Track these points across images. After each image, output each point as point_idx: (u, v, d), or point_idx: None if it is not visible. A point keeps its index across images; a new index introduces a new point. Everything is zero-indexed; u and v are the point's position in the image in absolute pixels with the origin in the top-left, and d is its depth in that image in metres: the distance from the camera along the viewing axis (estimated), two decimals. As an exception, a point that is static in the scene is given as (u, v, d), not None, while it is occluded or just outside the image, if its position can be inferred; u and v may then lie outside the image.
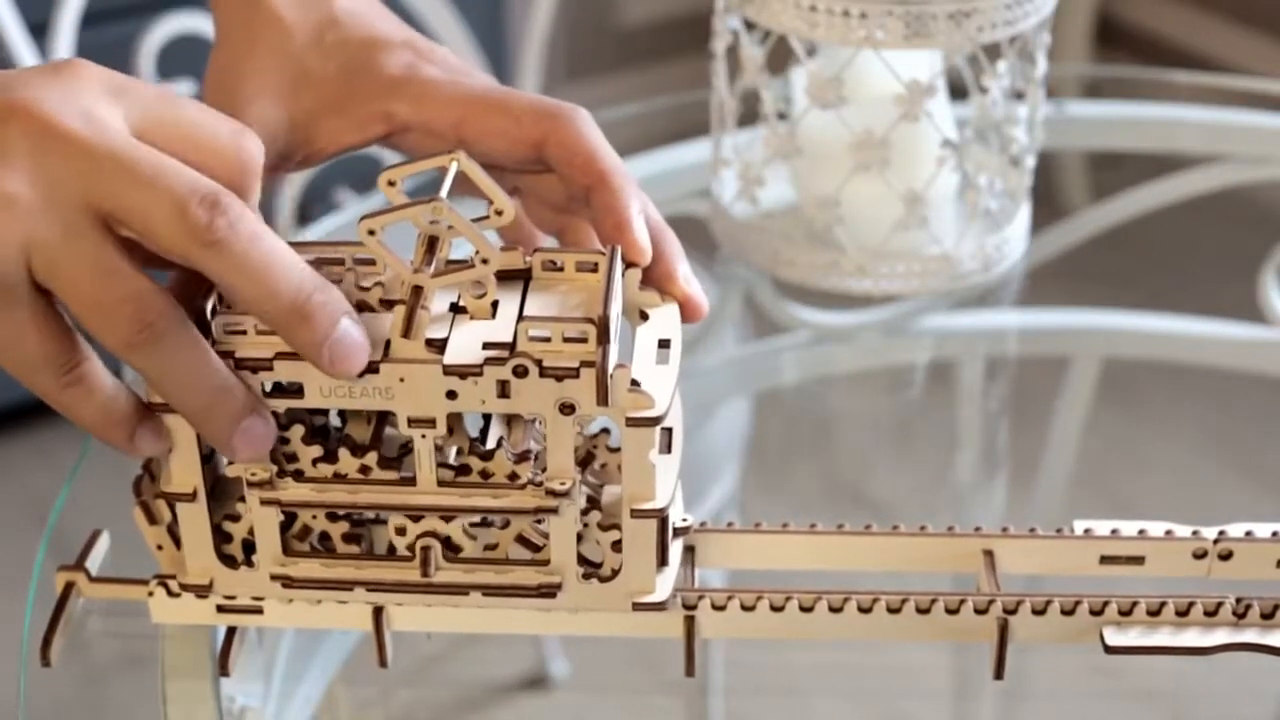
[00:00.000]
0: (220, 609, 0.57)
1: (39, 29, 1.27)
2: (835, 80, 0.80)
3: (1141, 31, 2.44)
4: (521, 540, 0.56)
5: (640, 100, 1.14)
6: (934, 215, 0.83)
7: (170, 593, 0.57)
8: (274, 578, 0.56)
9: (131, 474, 0.57)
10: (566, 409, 0.53)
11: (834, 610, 0.57)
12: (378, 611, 0.57)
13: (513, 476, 0.54)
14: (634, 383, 0.53)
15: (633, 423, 0.53)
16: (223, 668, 0.58)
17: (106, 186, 0.50)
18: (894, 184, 0.82)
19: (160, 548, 0.57)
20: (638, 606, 0.56)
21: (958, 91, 0.86)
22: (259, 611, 0.57)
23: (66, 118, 0.50)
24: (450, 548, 0.56)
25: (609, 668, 1.57)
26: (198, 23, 1.29)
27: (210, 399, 0.52)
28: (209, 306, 0.53)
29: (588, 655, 1.54)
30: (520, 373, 0.52)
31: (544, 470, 0.54)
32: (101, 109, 0.52)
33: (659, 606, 0.56)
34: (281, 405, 0.53)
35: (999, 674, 0.58)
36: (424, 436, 0.54)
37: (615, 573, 0.56)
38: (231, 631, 0.58)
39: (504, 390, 0.52)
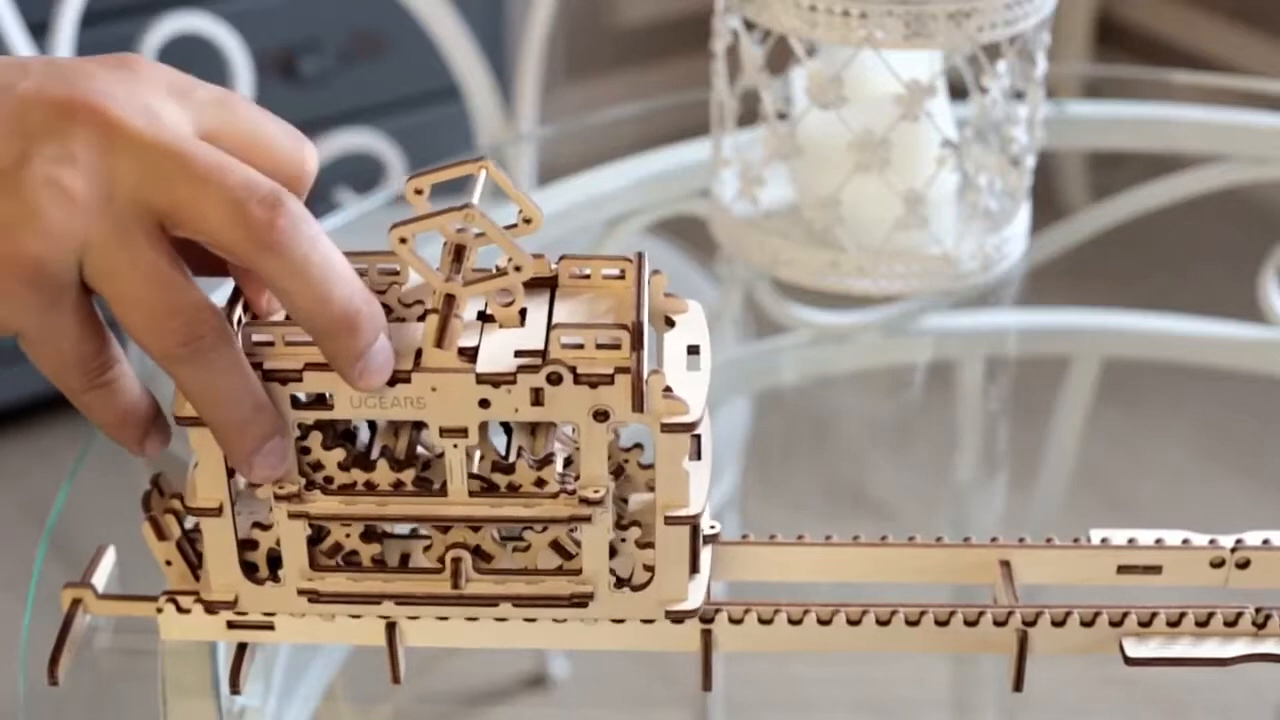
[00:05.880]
0: (231, 625, 0.57)
1: (39, 28, 1.27)
2: (835, 80, 0.80)
3: (1141, 31, 2.44)
4: (554, 545, 0.55)
5: (640, 100, 1.14)
6: (934, 215, 0.83)
7: (180, 609, 0.56)
8: (301, 593, 0.55)
9: (132, 473, 0.57)
10: (600, 416, 0.52)
11: (852, 623, 0.57)
12: (391, 627, 0.56)
13: (540, 483, 0.54)
14: (667, 389, 0.52)
15: (667, 429, 0.52)
16: (234, 685, 0.57)
17: (166, 184, 0.49)
18: (894, 184, 0.82)
19: (169, 564, 0.56)
20: (670, 615, 0.56)
21: (958, 91, 0.86)
22: (270, 628, 0.57)
23: (131, 116, 0.50)
24: (481, 558, 0.55)
25: (609, 668, 1.57)
26: (198, 23, 1.29)
27: (245, 417, 0.52)
28: (235, 317, 0.53)
29: (588, 655, 1.54)
30: (554, 380, 0.52)
31: (576, 478, 0.54)
32: (165, 107, 0.51)
33: (691, 614, 0.56)
34: (311, 417, 0.53)
35: (1018, 685, 0.57)
36: (456, 446, 0.53)
37: (647, 581, 0.55)
38: (242, 648, 0.58)
39: (537, 398, 0.52)
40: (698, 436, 0.56)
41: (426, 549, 0.56)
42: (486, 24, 1.87)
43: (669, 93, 1.17)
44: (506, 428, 0.57)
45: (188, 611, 0.56)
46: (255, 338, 0.52)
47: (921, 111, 0.80)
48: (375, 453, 0.55)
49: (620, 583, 0.55)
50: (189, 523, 0.57)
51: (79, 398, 0.52)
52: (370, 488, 0.54)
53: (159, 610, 0.57)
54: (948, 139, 0.82)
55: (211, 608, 0.56)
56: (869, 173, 0.81)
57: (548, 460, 0.54)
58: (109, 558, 0.59)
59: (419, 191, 0.54)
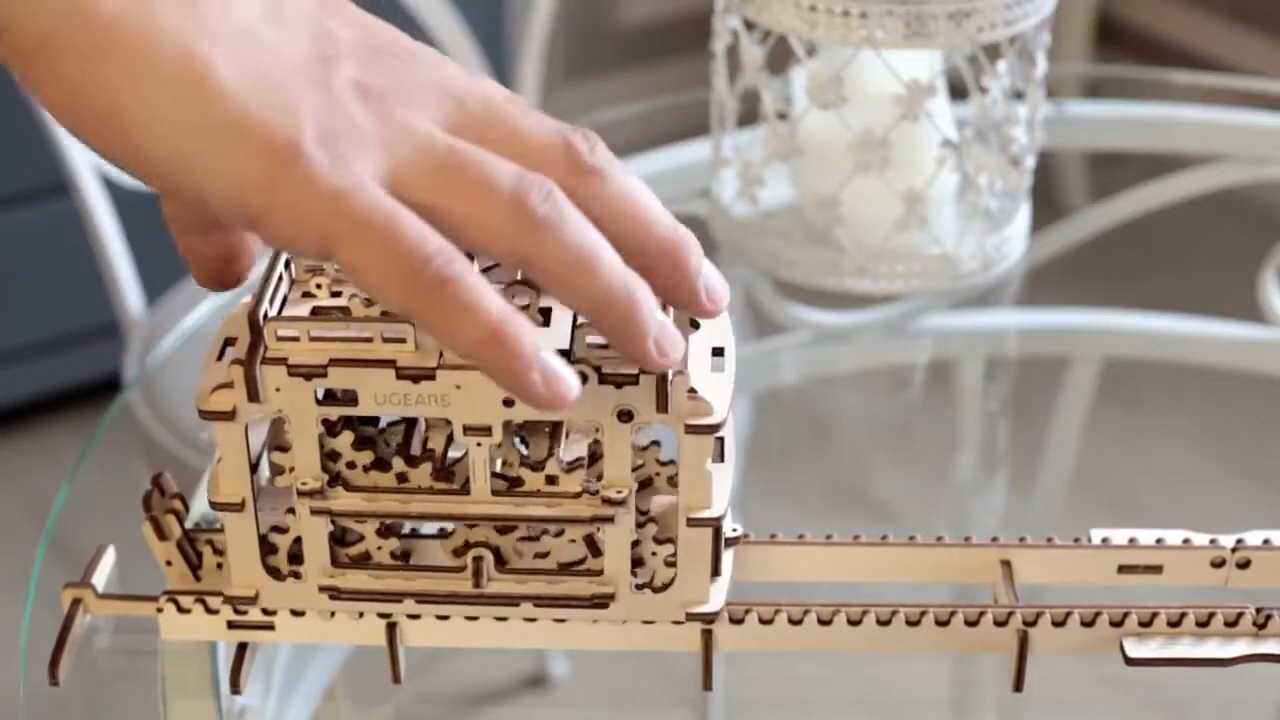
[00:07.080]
0: (231, 625, 0.56)
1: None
2: (835, 80, 0.80)
3: (1141, 31, 2.44)
4: (586, 539, 0.55)
5: (640, 100, 1.14)
6: (934, 215, 0.83)
7: (180, 609, 0.56)
8: (322, 589, 0.55)
9: (132, 473, 0.57)
10: (625, 416, 0.52)
11: (852, 623, 0.57)
12: (391, 627, 0.56)
13: (553, 480, 0.54)
14: (691, 390, 0.52)
15: (691, 430, 0.52)
16: (234, 685, 0.57)
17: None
18: (894, 184, 0.82)
19: (169, 564, 0.56)
20: (691, 617, 0.56)
21: (958, 91, 0.86)
22: (271, 628, 0.56)
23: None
24: (501, 558, 0.55)
25: (609, 668, 1.57)
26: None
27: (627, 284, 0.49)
28: (261, 312, 0.52)
29: (588, 655, 1.54)
30: (579, 379, 0.52)
31: (599, 479, 0.54)
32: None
33: (712, 617, 0.56)
34: (335, 413, 0.52)
35: (1018, 685, 0.57)
36: (479, 445, 0.53)
37: (668, 583, 0.55)
38: (243, 648, 0.57)
39: None
40: (721, 438, 0.56)
41: (454, 551, 0.55)
42: (486, 24, 1.87)
43: (669, 93, 1.17)
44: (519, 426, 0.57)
45: (188, 611, 0.56)
46: (280, 332, 0.52)
47: (921, 111, 0.80)
48: (389, 449, 0.55)
49: (642, 584, 0.55)
50: (189, 522, 0.57)
51: (424, 302, 0.47)
52: (395, 484, 0.54)
53: (159, 610, 0.57)
54: (948, 139, 0.83)
55: (232, 603, 0.56)
56: (869, 173, 0.81)
57: (576, 465, 0.54)
58: (109, 558, 0.59)
59: None
